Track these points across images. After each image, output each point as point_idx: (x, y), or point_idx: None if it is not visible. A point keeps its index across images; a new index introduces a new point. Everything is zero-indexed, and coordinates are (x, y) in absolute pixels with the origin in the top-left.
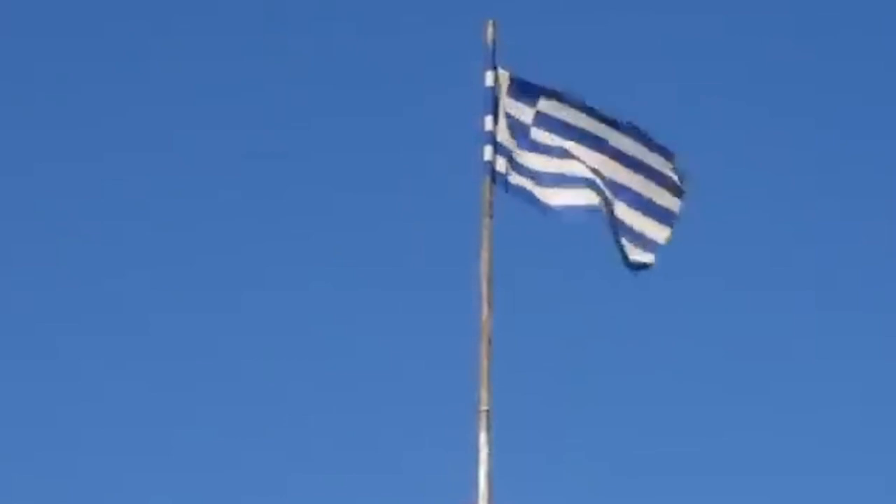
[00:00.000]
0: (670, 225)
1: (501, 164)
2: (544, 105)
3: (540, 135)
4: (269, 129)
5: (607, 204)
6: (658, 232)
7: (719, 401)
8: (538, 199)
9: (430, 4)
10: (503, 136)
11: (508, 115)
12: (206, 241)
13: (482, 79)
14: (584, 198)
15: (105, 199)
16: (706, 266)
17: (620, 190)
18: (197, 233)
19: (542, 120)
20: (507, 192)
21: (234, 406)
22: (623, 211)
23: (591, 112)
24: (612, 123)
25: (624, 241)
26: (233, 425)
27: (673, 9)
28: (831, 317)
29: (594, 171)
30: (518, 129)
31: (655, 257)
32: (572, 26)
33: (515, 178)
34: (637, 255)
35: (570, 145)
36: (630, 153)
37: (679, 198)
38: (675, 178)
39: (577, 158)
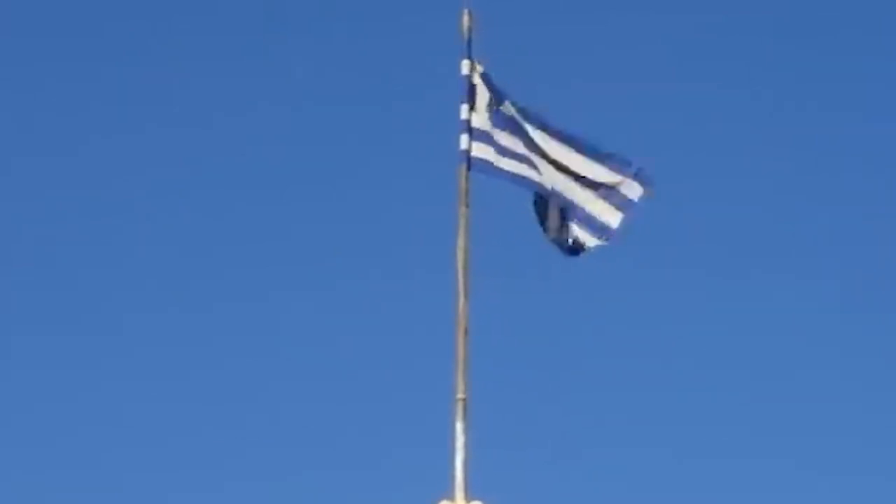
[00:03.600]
0: (606, 240)
1: (477, 151)
2: (506, 108)
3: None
4: (244, 123)
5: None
6: (590, 242)
7: (698, 388)
8: (494, 165)
9: None
10: (479, 121)
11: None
12: (186, 236)
13: (458, 68)
14: (534, 175)
15: (89, 197)
16: (691, 259)
17: (569, 207)
18: (174, 228)
19: (502, 119)
20: (469, 168)
21: (210, 400)
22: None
23: (544, 128)
24: (564, 140)
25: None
26: (209, 419)
27: (659, 7)
28: (831, 315)
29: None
30: (491, 109)
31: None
32: (555, 25)
33: (478, 150)
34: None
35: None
36: (579, 171)
37: (624, 212)
38: (627, 192)
39: (532, 163)
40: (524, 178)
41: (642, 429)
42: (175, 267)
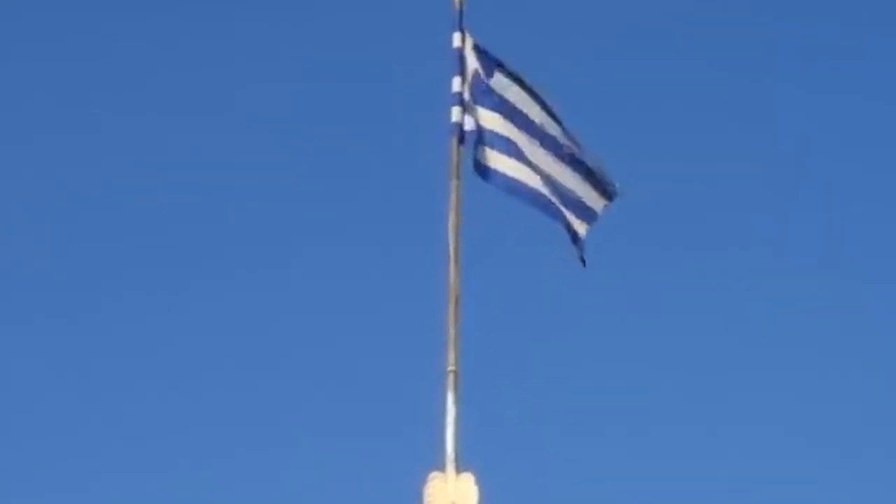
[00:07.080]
0: (590, 223)
1: (469, 124)
2: (496, 82)
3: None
4: (232, 99)
5: (545, 186)
6: (578, 227)
7: (688, 364)
8: (477, 158)
9: None
10: (469, 94)
11: (473, 74)
12: (176, 218)
13: (450, 40)
14: (523, 175)
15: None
16: (684, 239)
17: (553, 185)
18: (158, 215)
19: (491, 95)
20: (461, 141)
21: (199, 375)
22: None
23: (539, 102)
24: (556, 118)
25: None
26: (199, 393)
27: None
28: (831, 311)
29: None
30: (476, 86)
31: (581, 247)
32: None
33: (470, 123)
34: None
35: (511, 130)
36: (568, 149)
37: (606, 200)
38: (607, 181)
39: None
40: (513, 180)
41: (634, 402)
42: (165, 248)
